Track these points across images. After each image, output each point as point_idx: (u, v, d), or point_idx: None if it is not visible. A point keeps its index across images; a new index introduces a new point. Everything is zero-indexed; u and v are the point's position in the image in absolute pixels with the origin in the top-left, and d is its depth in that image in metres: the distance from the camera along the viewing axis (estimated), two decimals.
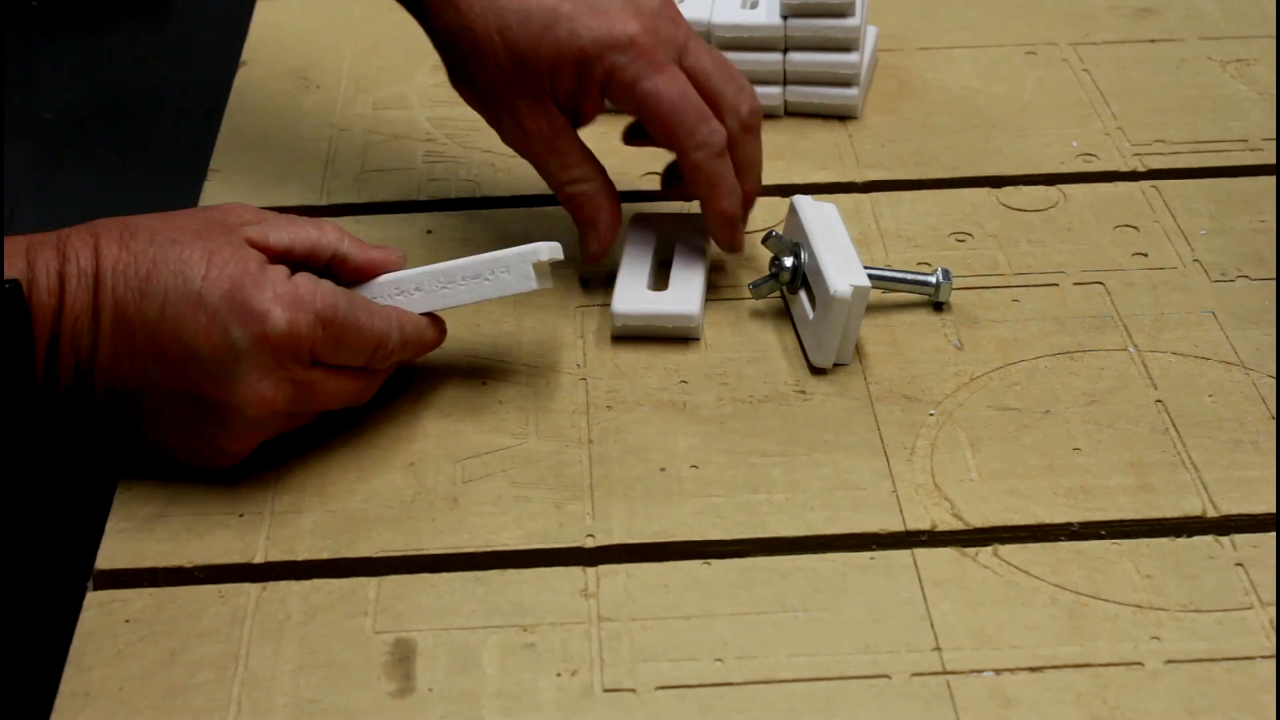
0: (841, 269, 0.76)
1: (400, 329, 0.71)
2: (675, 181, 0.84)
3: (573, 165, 0.79)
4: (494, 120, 0.80)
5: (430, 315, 0.74)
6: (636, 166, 0.91)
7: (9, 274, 0.65)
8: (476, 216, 0.88)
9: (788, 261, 0.79)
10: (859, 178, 0.91)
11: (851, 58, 0.94)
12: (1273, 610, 0.65)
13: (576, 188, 0.79)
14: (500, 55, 0.77)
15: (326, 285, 0.69)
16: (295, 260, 0.71)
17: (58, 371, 0.67)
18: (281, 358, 0.67)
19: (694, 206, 0.85)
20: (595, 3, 0.77)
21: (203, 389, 0.67)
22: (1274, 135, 0.93)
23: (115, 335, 0.67)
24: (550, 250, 0.73)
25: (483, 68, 0.78)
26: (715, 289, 0.83)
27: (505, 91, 0.78)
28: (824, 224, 0.79)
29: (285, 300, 0.67)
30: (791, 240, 0.80)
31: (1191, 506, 0.69)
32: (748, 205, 0.81)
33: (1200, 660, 0.63)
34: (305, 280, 0.68)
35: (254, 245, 0.69)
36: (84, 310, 0.66)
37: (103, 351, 0.67)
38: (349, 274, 0.73)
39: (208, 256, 0.67)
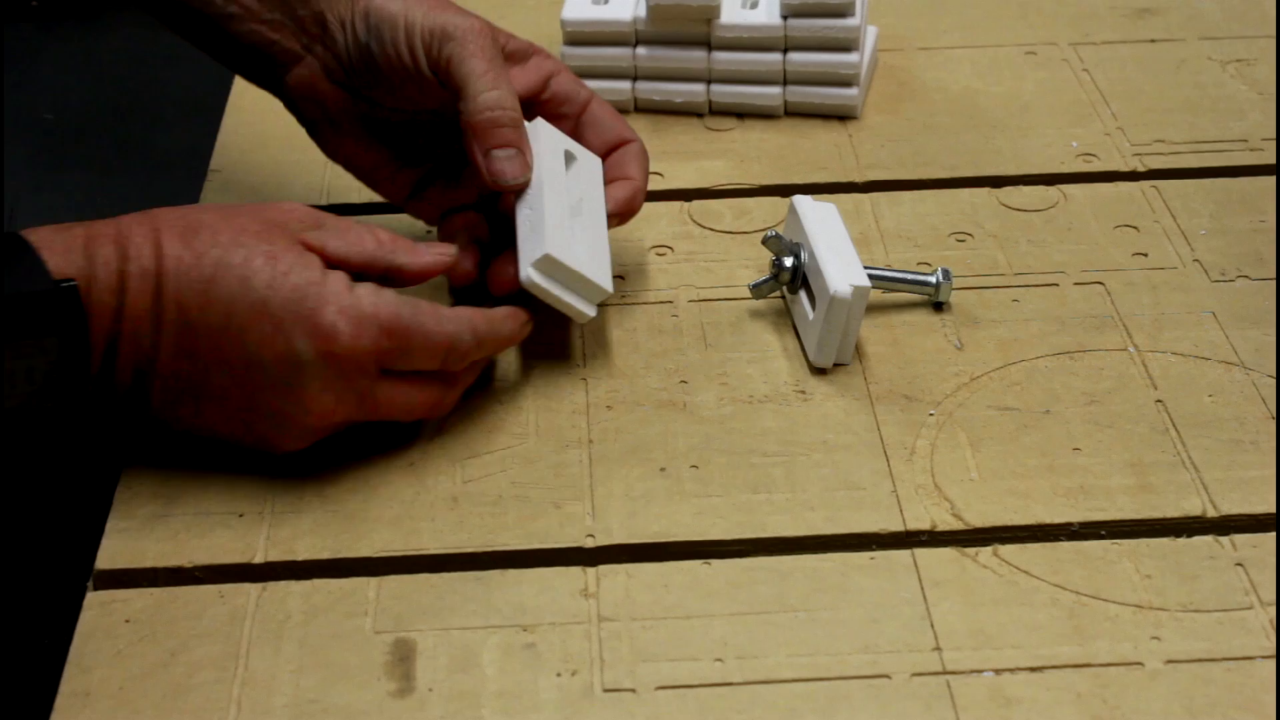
0: (841, 269, 0.76)
1: (474, 328, 0.71)
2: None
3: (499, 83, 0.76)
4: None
5: (510, 307, 0.73)
6: None
7: (67, 270, 0.64)
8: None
9: (788, 261, 0.79)
10: (859, 178, 0.91)
11: (851, 58, 0.94)
12: (1273, 610, 0.65)
13: (503, 96, 0.75)
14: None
15: (389, 295, 0.69)
16: (351, 270, 0.70)
17: (116, 373, 0.66)
18: (346, 371, 0.68)
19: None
20: None
21: (264, 395, 0.68)
22: (1274, 135, 0.93)
23: (178, 338, 0.66)
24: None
25: None
26: (715, 289, 0.83)
27: (454, 9, 0.77)
28: (824, 224, 0.79)
29: (349, 314, 0.67)
30: (791, 240, 0.80)
31: (1191, 506, 0.69)
32: None
33: (1200, 660, 0.63)
34: (368, 291, 0.68)
35: (310, 249, 0.69)
36: (145, 311, 0.66)
37: (164, 353, 0.67)
38: (404, 283, 0.72)
39: (272, 263, 0.67)
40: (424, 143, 0.81)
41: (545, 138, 0.77)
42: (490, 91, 0.75)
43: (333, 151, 0.81)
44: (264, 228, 0.68)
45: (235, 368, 0.67)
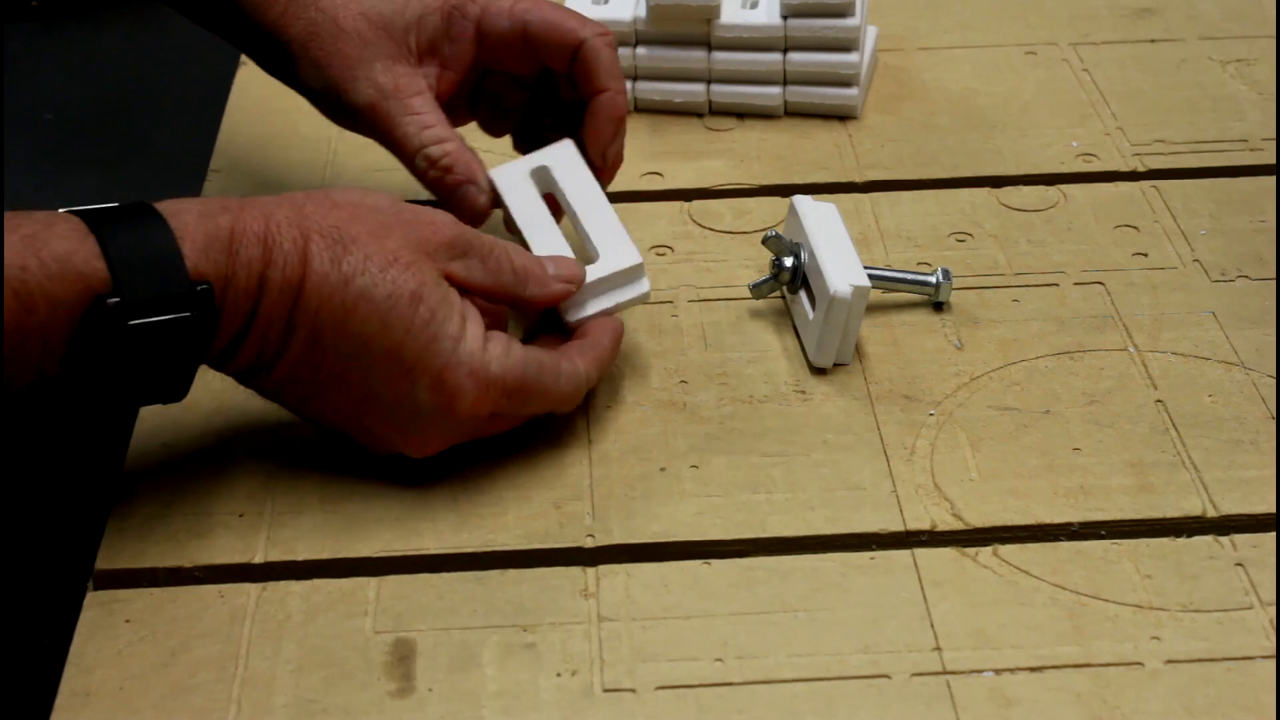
0: (841, 269, 0.76)
1: (587, 382, 0.71)
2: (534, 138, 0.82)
3: (435, 124, 0.77)
4: (344, 95, 0.77)
5: (613, 340, 0.73)
6: (635, 167, 0.91)
7: (206, 269, 0.62)
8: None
9: (788, 261, 0.79)
10: (859, 178, 0.91)
11: (851, 58, 0.94)
12: (1273, 610, 0.65)
13: (442, 148, 0.76)
14: (362, 27, 0.77)
15: (517, 355, 0.68)
16: (484, 297, 0.70)
17: (234, 359, 0.66)
18: (459, 423, 0.68)
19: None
20: None
21: (374, 420, 0.68)
22: (1274, 135, 0.93)
23: (304, 353, 0.66)
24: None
25: (338, 44, 0.77)
26: (715, 289, 0.83)
27: (362, 58, 0.77)
28: (824, 224, 0.79)
29: (478, 376, 0.67)
30: (791, 240, 0.80)
31: (1191, 506, 0.69)
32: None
33: (1200, 660, 0.63)
34: (499, 352, 0.68)
35: (453, 281, 0.68)
36: (279, 319, 0.65)
37: (288, 358, 0.66)
38: (529, 310, 0.73)
39: (414, 306, 0.66)
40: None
41: (507, 175, 0.77)
42: (431, 143, 0.76)
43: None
44: (414, 257, 0.67)
45: (354, 393, 0.67)
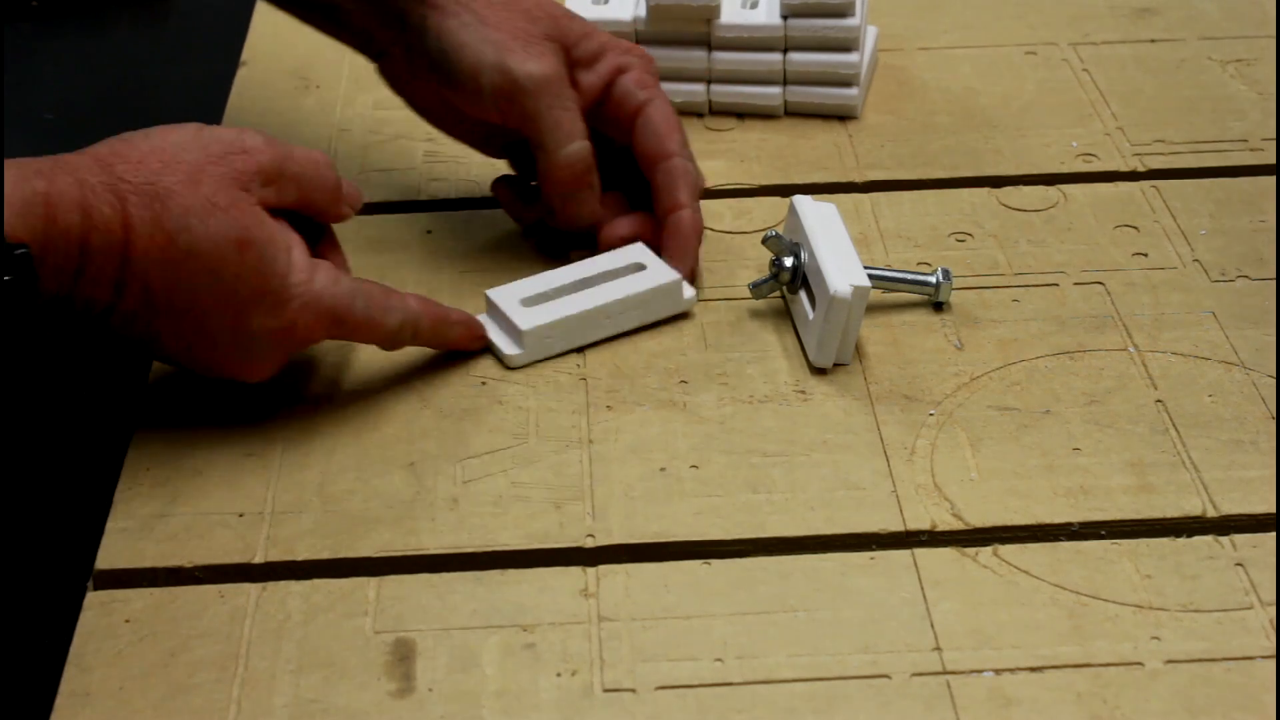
0: (841, 269, 0.76)
1: (416, 326, 0.74)
2: (531, 198, 0.85)
3: (579, 122, 0.80)
4: (510, 64, 0.79)
5: (468, 316, 0.77)
6: None
7: (22, 233, 0.63)
8: (476, 216, 0.88)
9: (788, 261, 0.79)
10: (859, 178, 0.91)
11: (851, 58, 0.94)
12: (1273, 610, 0.65)
13: (582, 147, 0.80)
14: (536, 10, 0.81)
15: (345, 284, 0.71)
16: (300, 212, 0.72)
17: (71, 306, 0.67)
18: (293, 349, 0.72)
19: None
20: None
21: (209, 355, 0.71)
22: (1274, 135, 0.94)
23: (137, 307, 0.68)
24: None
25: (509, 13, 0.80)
26: (715, 289, 0.83)
27: (532, 35, 0.80)
28: (824, 224, 0.79)
29: (310, 308, 0.70)
30: (791, 240, 0.80)
31: (1191, 506, 0.69)
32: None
33: (1200, 660, 0.63)
34: (327, 280, 0.71)
35: (269, 206, 0.70)
36: (107, 281, 0.66)
37: (121, 312, 0.68)
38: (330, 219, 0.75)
39: (242, 252, 0.68)
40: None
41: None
42: (567, 148, 0.80)
43: (437, 125, 0.85)
44: (231, 197, 0.68)
45: (188, 333, 0.69)
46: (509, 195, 0.86)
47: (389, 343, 0.74)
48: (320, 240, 0.75)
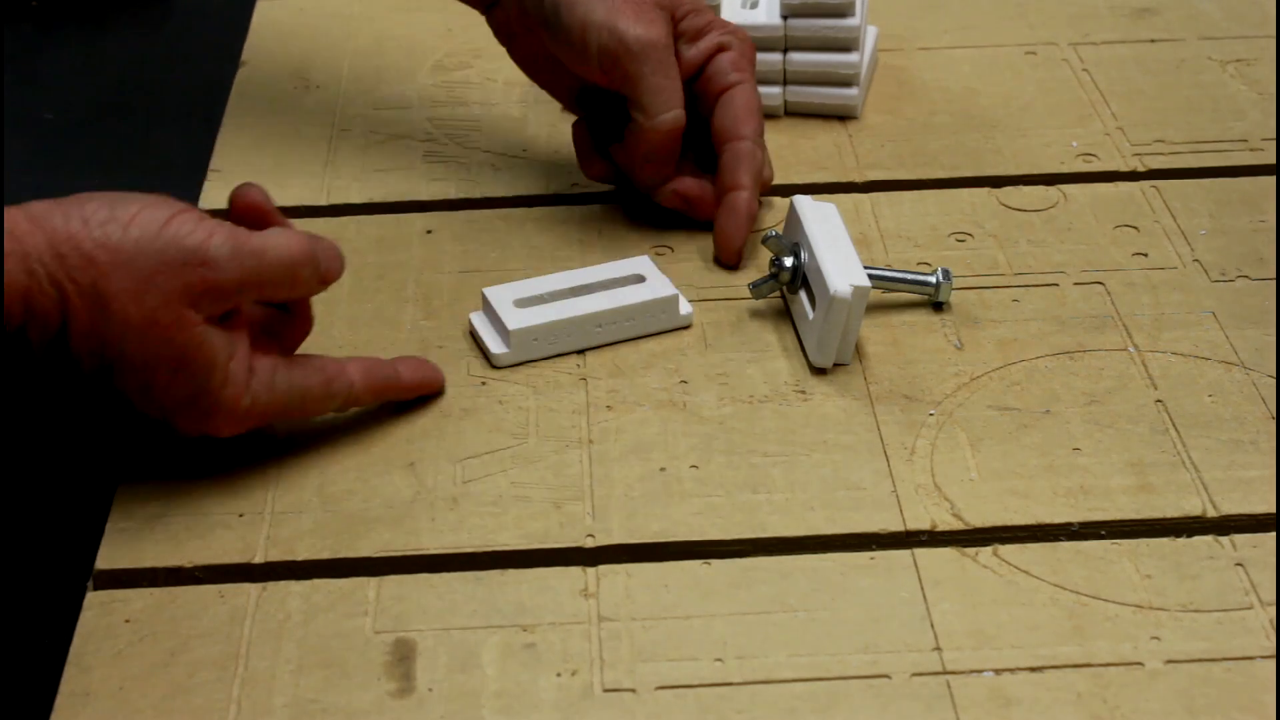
0: (841, 269, 0.76)
1: (358, 400, 0.73)
2: (603, 152, 0.87)
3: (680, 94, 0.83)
4: (620, 25, 0.81)
5: (413, 365, 0.75)
6: None
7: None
8: (476, 216, 0.88)
9: (788, 261, 0.79)
10: (859, 178, 0.91)
11: (851, 58, 0.94)
12: (1273, 610, 0.65)
13: (678, 116, 0.82)
14: None
15: (280, 388, 0.69)
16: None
17: (28, 332, 0.65)
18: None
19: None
20: None
21: (159, 413, 0.68)
22: (1274, 135, 0.94)
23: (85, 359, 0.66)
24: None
25: None
26: (715, 289, 0.83)
27: (636, 2, 0.82)
28: (824, 224, 0.79)
29: (232, 418, 0.68)
30: (791, 240, 0.80)
31: (1191, 506, 0.69)
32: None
33: (1200, 660, 0.63)
34: (260, 387, 0.68)
35: (206, 293, 0.65)
36: (48, 347, 0.65)
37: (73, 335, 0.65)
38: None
39: (174, 373, 0.66)
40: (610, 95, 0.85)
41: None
42: (665, 114, 0.82)
43: (532, 77, 0.88)
44: (174, 315, 0.65)
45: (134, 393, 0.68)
46: (586, 144, 0.87)
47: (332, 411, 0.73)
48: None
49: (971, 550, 0.68)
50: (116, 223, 0.64)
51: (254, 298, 0.68)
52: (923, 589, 0.66)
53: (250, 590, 0.67)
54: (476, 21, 0.90)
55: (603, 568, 0.67)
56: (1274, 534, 0.68)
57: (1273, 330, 0.79)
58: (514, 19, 0.85)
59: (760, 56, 0.94)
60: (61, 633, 0.65)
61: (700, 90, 0.84)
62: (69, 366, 0.66)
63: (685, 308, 0.80)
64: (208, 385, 0.67)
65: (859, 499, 0.70)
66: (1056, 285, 0.82)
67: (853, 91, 0.95)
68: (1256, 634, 0.64)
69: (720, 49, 0.84)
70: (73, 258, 0.64)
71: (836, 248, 0.77)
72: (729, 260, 0.84)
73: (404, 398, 0.75)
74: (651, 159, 0.84)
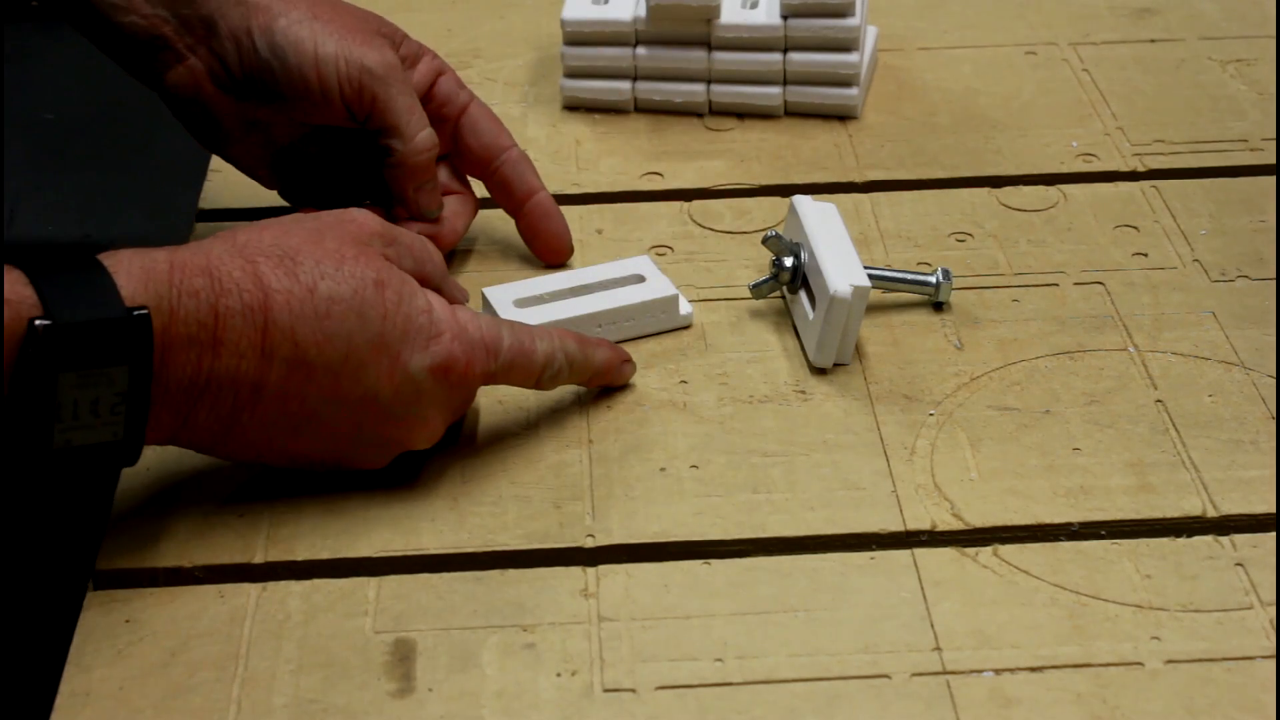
0: (841, 269, 0.76)
1: (566, 351, 0.72)
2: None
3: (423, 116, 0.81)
4: (355, 55, 0.79)
5: (608, 341, 0.76)
6: (635, 167, 0.91)
7: (142, 298, 0.61)
8: (476, 216, 0.88)
9: (788, 261, 0.79)
10: (859, 178, 0.91)
11: (851, 58, 0.94)
12: (1273, 610, 0.65)
13: (432, 134, 0.81)
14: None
15: (486, 318, 0.70)
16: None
17: (196, 415, 0.64)
18: (457, 393, 0.69)
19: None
20: None
21: (374, 425, 0.68)
22: (1274, 135, 0.94)
23: (290, 378, 0.65)
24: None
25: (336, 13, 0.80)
26: (715, 289, 0.83)
27: (360, 31, 0.79)
28: (824, 224, 0.79)
29: (462, 340, 0.68)
30: (791, 240, 0.80)
31: (1191, 506, 0.69)
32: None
33: (1200, 660, 0.63)
34: (469, 316, 0.69)
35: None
36: (251, 350, 0.64)
37: (270, 391, 0.65)
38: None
39: (382, 291, 0.66)
40: (315, 150, 0.83)
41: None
42: (421, 133, 0.80)
43: (213, 147, 0.83)
44: (357, 249, 0.67)
45: (348, 402, 0.67)
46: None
47: (540, 373, 0.71)
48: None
49: (971, 550, 0.68)
50: (258, 223, 0.68)
51: (409, 260, 0.70)
52: (923, 589, 0.66)
53: (250, 590, 0.67)
54: (477, 21, 0.90)
55: (603, 568, 0.67)
56: (1274, 534, 0.68)
57: (1273, 330, 0.79)
58: (202, 78, 0.79)
59: (760, 56, 0.95)
60: (61, 633, 0.65)
61: (434, 114, 0.82)
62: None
63: (685, 308, 0.80)
64: (416, 303, 0.67)
65: (859, 499, 0.70)
66: (1056, 285, 0.82)
67: (853, 91, 0.95)
68: (1256, 634, 0.64)
69: (439, 72, 0.83)
70: (241, 238, 0.66)
71: (836, 248, 0.77)
72: (565, 256, 0.84)
73: (601, 368, 0.75)
74: (422, 184, 0.81)
